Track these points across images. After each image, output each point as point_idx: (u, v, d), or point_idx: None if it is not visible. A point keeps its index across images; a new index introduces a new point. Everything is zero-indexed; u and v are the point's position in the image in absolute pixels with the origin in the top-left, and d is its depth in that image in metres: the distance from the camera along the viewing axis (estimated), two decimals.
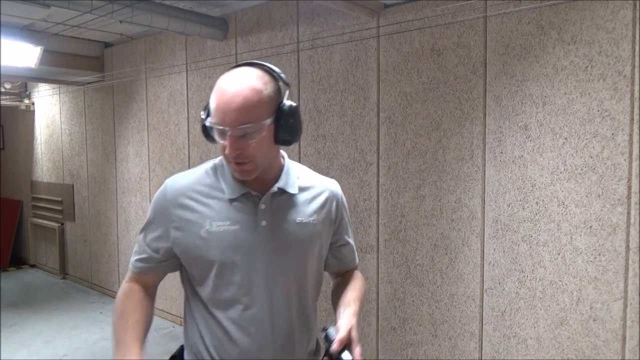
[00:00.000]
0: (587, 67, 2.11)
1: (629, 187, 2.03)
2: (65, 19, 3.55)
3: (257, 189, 1.19)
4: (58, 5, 2.77)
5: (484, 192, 2.46)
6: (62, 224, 5.66)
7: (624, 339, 2.07)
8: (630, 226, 2.03)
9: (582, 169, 2.14)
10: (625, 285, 2.05)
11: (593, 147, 2.11)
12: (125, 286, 1.25)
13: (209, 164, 1.24)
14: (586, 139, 2.13)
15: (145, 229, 1.22)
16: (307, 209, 1.24)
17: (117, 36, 4.40)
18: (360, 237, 2.94)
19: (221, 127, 1.07)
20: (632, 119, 2.01)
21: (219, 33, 3.53)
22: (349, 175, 2.96)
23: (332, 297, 1.34)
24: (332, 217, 1.30)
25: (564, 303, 2.22)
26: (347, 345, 1.10)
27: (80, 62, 4.60)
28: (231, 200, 1.17)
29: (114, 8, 2.86)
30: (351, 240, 1.39)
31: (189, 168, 3.97)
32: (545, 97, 2.23)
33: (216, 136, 1.10)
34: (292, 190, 1.22)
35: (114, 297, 5.84)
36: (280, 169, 1.23)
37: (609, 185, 2.07)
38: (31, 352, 3.68)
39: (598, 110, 2.09)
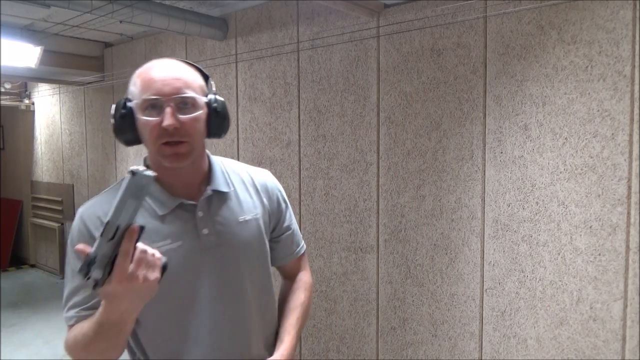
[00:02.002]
0: (587, 67, 2.11)
1: (629, 187, 2.03)
2: (65, 19, 3.55)
3: (188, 195, 1.08)
4: (58, 5, 2.77)
5: (484, 192, 2.46)
6: (62, 224, 5.66)
7: (624, 339, 2.07)
8: (630, 226, 2.03)
9: (582, 169, 2.14)
10: (625, 285, 2.05)
11: (593, 147, 2.11)
12: (69, 331, 1.03)
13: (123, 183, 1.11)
14: (586, 139, 2.13)
15: (72, 272, 1.04)
16: (245, 205, 1.15)
17: (117, 36, 4.40)
18: (360, 237, 2.94)
19: (158, 98, 0.98)
20: (632, 119, 2.01)
21: (219, 33, 3.53)
22: (349, 175, 2.96)
23: (278, 306, 1.27)
24: (269, 206, 1.21)
25: (564, 303, 2.22)
26: None
27: (80, 62, 4.61)
28: (163, 217, 1.05)
29: (114, 8, 2.85)
30: (293, 225, 1.28)
31: None
32: (545, 97, 2.23)
33: (146, 117, 1.00)
34: (225, 188, 1.13)
35: None
36: (207, 168, 1.15)
37: (609, 185, 2.08)
38: (31, 352, 3.68)
39: (598, 110, 2.09)
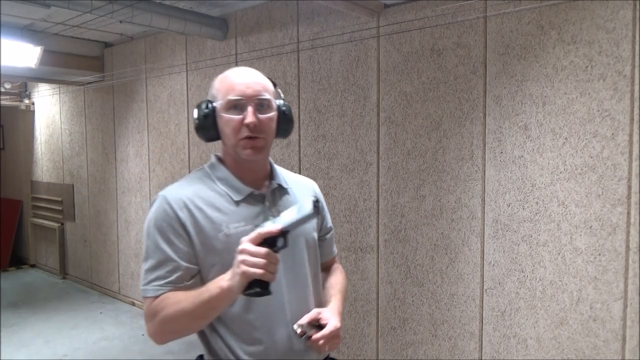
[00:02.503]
0: (587, 67, 2.11)
1: (629, 187, 2.03)
2: (65, 19, 3.55)
3: (256, 187, 1.24)
4: (58, 5, 2.77)
5: (484, 192, 2.46)
6: (62, 224, 5.66)
7: (624, 339, 2.07)
8: (630, 226, 2.03)
9: (582, 169, 2.14)
10: (625, 285, 2.05)
11: (593, 147, 2.11)
12: (155, 302, 1.12)
13: (198, 174, 1.25)
14: (586, 139, 2.13)
15: (156, 248, 1.14)
16: (302, 202, 1.27)
17: (117, 36, 4.40)
18: (360, 237, 2.94)
19: (242, 98, 1.15)
20: (632, 119, 2.01)
21: (219, 33, 3.53)
22: (349, 175, 2.96)
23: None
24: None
25: (564, 303, 2.22)
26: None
27: (80, 62, 4.61)
28: (238, 202, 1.20)
29: (114, 8, 2.86)
30: (332, 226, 1.49)
31: (189, 168, 3.98)
32: (545, 97, 2.23)
33: (228, 114, 1.16)
34: (285, 185, 1.30)
35: (114, 297, 5.77)
36: (270, 166, 1.31)
37: (609, 185, 2.07)
38: (31, 352, 3.68)
39: (598, 110, 2.09)
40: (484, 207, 2.46)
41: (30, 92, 5.99)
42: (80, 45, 4.57)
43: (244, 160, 1.20)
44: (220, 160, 1.26)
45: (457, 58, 2.50)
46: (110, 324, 4.24)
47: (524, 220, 2.32)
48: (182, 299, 1.09)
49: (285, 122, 1.26)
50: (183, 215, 1.14)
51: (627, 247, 2.04)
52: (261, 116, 1.17)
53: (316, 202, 1.06)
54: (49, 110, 5.79)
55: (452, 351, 2.61)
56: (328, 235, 1.45)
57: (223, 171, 1.23)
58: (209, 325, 1.19)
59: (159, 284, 1.12)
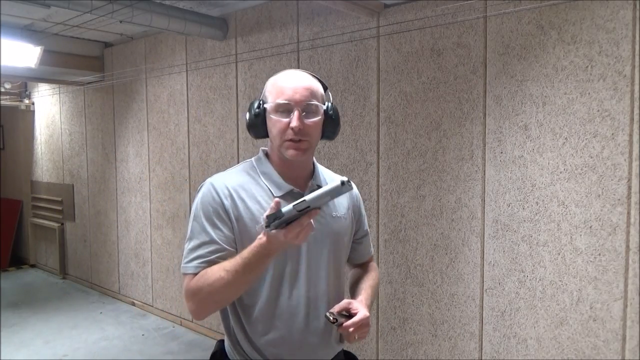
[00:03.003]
0: (587, 67, 2.11)
1: (629, 187, 2.03)
2: (65, 19, 3.55)
3: (297, 185, 1.30)
4: (58, 5, 2.77)
5: (484, 192, 2.46)
6: (62, 224, 5.66)
7: (624, 339, 2.07)
8: (630, 226, 2.03)
9: (582, 169, 2.14)
10: (625, 285, 2.05)
11: (593, 147, 2.11)
12: (195, 278, 1.19)
13: (244, 166, 1.33)
14: (586, 139, 2.13)
15: (201, 230, 1.22)
16: (338, 205, 1.36)
17: (117, 36, 4.40)
18: None
19: (289, 103, 1.21)
20: (632, 119, 2.01)
21: (219, 33, 3.53)
22: (349, 175, 2.96)
23: (349, 288, 1.48)
24: (355, 211, 1.43)
25: (564, 303, 2.22)
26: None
27: (80, 62, 4.60)
28: (277, 198, 1.25)
29: (114, 8, 2.86)
30: (368, 230, 1.53)
31: (189, 168, 3.98)
32: (545, 97, 2.24)
33: (276, 117, 1.22)
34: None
35: (113, 297, 5.76)
36: (313, 167, 1.37)
37: (609, 185, 2.08)
38: (31, 352, 3.68)
39: (598, 110, 2.09)
40: (484, 207, 2.46)
41: (30, 92, 5.99)
42: (80, 45, 4.57)
43: (288, 158, 1.26)
44: (266, 155, 1.34)
45: (457, 58, 2.50)
46: (110, 324, 4.24)
47: (524, 220, 2.32)
48: (218, 270, 1.15)
49: (331, 125, 1.30)
50: (227, 203, 1.22)
51: (627, 247, 2.04)
52: (307, 121, 1.22)
53: (347, 181, 1.05)
54: (49, 110, 5.79)
55: (452, 351, 2.61)
56: (364, 239, 1.51)
57: (267, 166, 1.30)
58: (233, 312, 1.27)
59: (199, 262, 1.20)
